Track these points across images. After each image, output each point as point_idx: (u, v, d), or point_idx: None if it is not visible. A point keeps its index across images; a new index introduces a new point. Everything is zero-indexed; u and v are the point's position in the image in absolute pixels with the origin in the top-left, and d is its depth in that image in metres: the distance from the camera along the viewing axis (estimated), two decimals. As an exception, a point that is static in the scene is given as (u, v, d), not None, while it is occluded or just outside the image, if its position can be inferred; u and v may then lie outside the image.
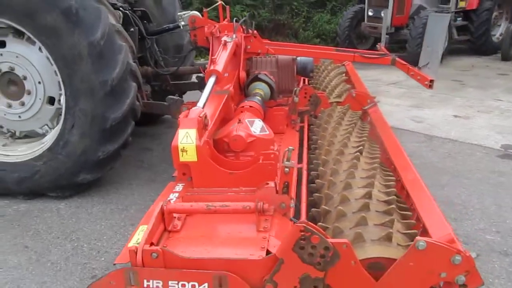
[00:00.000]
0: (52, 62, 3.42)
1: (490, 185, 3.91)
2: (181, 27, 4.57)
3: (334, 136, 3.47)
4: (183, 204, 2.30)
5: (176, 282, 1.96)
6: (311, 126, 4.10)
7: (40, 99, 3.70)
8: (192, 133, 2.65)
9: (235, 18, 4.14)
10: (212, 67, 3.43)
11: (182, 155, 2.66)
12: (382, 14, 10.56)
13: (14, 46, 3.62)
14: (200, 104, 2.98)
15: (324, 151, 3.27)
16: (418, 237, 1.83)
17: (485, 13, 10.76)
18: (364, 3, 11.05)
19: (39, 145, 3.73)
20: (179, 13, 4.51)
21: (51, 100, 3.72)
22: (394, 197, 2.43)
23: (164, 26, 4.74)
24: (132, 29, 4.33)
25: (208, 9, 4.27)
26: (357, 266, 1.87)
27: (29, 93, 3.69)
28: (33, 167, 3.65)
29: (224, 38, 3.92)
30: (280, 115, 3.86)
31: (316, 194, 2.75)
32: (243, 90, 4.13)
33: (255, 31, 4.66)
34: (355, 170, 2.75)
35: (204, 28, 4.09)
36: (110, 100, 3.44)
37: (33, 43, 3.53)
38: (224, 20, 4.54)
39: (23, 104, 3.74)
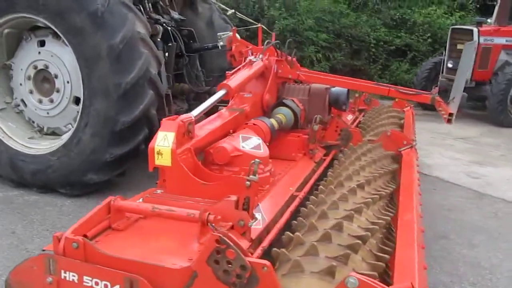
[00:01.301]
0: (76, 61, 3.55)
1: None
2: (220, 47, 4.60)
3: (345, 170, 3.16)
4: (131, 203, 2.16)
5: (90, 278, 1.81)
6: (335, 160, 3.81)
7: (66, 98, 3.86)
8: (171, 136, 2.54)
9: (267, 41, 4.06)
10: (225, 82, 3.37)
11: (158, 158, 2.55)
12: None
13: (51, 46, 3.85)
14: (194, 112, 2.89)
15: (327, 182, 2.99)
16: (352, 273, 1.50)
17: None
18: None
19: (58, 141, 3.85)
20: (218, 33, 4.54)
21: (77, 101, 3.85)
22: (369, 233, 2.07)
23: (204, 45, 4.79)
24: (170, 44, 4.42)
25: (241, 28, 4.23)
26: (279, 297, 1.57)
27: (58, 91, 3.87)
28: (48, 161, 3.77)
29: (250, 58, 3.85)
30: (293, 141, 3.62)
31: (294, 221, 2.47)
32: (267, 114, 3.97)
33: (294, 59, 4.54)
34: (342, 201, 2.44)
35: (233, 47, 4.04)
36: (123, 104, 3.48)
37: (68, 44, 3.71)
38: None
39: (52, 101, 3.92)
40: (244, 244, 1.99)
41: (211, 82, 4.75)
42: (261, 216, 2.47)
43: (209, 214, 1.97)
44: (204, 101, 4.98)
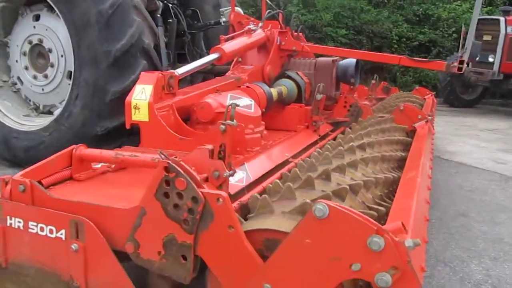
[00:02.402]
0: (67, 31, 3.41)
1: None
2: (222, 23, 4.40)
3: (348, 135, 2.89)
4: (93, 151, 1.95)
5: (35, 224, 1.60)
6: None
7: (61, 72, 3.72)
8: (148, 89, 2.34)
9: (268, 10, 3.83)
10: (219, 45, 3.16)
11: (135, 113, 2.34)
12: (490, 59, 9.42)
13: (46, 19, 3.74)
14: (179, 70, 2.67)
15: (328, 145, 2.72)
16: (320, 200, 1.23)
17: None
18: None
19: (50, 117, 3.71)
20: (221, 9, 4.35)
21: (71, 75, 3.70)
22: (361, 182, 1.79)
23: (206, 22, 4.61)
24: (170, 20, 4.26)
25: (240, -2, 4.01)
26: (237, 236, 1.32)
27: (52, 65, 3.74)
28: (41, 137, 3.62)
29: (249, 26, 3.63)
30: (294, 111, 3.36)
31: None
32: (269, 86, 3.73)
33: (301, 34, 4.31)
34: (336, 158, 2.17)
35: (231, 15, 3.83)
36: (113, 72, 3.31)
37: (62, 16, 3.58)
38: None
39: (46, 76, 3.80)
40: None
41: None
42: (246, 174, 2.22)
43: (175, 157, 1.73)
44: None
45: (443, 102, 10.95)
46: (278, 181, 1.78)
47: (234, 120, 1.94)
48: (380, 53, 3.89)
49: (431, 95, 6.19)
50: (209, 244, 1.35)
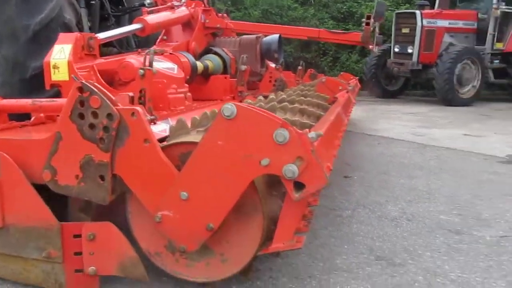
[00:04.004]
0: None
1: (475, 181, 3.21)
2: (147, 5, 4.39)
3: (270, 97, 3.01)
4: (9, 100, 1.91)
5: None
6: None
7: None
8: (67, 48, 2.32)
9: (194, -12, 3.90)
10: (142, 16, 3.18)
11: (54, 73, 2.31)
12: (409, 50, 10.08)
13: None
14: (101, 35, 2.68)
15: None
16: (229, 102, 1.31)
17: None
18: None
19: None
20: (145, -10, 4.34)
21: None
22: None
23: (131, 5, 4.58)
24: (93, 2, 4.19)
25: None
26: (153, 148, 1.36)
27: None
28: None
29: (173, 2, 3.68)
30: (219, 81, 3.44)
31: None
32: (195, 63, 3.79)
33: (225, 14, 4.42)
34: (261, 102, 2.27)
35: (155, -8, 3.85)
36: (33, 48, 3.20)
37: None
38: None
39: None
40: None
41: (141, 43, 4.51)
42: (169, 126, 2.26)
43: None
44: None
45: (368, 94, 11.53)
46: (196, 117, 1.84)
47: (154, 68, 1.99)
48: (301, 27, 4.07)
49: (355, 79, 6.56)
50: (126, 161, 1.38)
